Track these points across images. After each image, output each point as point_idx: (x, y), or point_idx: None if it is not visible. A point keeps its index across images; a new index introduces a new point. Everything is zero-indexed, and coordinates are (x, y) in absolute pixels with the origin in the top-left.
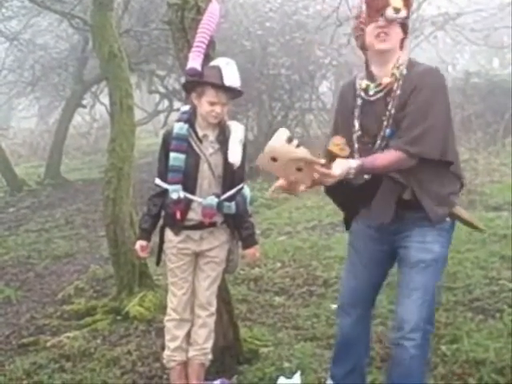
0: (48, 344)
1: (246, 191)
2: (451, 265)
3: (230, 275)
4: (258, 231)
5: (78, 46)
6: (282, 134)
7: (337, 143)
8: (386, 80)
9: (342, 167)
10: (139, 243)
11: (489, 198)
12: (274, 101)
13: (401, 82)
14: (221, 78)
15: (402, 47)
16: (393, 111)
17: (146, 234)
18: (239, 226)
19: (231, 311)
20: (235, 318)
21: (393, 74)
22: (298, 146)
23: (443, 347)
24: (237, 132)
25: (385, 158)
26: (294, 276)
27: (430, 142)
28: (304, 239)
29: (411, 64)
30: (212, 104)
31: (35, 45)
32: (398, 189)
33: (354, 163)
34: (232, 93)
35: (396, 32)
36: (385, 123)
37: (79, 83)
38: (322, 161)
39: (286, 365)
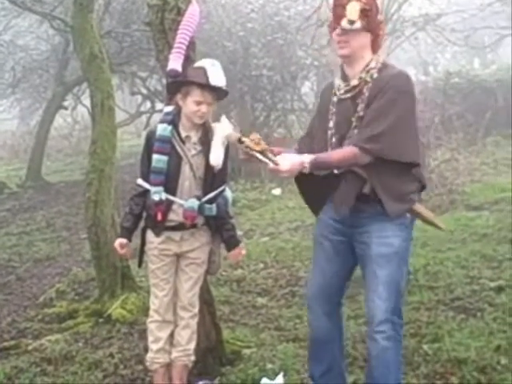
0: (29, 347)
1: (228, 193)
2: (432, 264)
3: (212, 276)
4: (240, 232)
5: (59, 48)
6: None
7: (252, 138)
8: (353, 82)
9: (292, 162)
10: (119, 241)
11: (470, 198)
12: (256, 102)
13: (370, 85)
14: (206, 77)
15: (374, 50)
16: (361, 113)
17: (126, 233)
18: (220, 227)
19: (213, 312)
20: (218, 320)
21: (360, 78)
22: (241, 141)
23: (425, 346)
24: (219, 134)
25: (340, 153)
26: (277, 277)
27: (387, 142)
28: (287, 240)
29: (384, 67)
30: (198, 104)
31: (16, 46)
32: (359, 183)
33: (307, 158)
34: (217, 93)
35: (357, 39)
36: (353, 124)
37: (60, 85)
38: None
39: (269, 366)
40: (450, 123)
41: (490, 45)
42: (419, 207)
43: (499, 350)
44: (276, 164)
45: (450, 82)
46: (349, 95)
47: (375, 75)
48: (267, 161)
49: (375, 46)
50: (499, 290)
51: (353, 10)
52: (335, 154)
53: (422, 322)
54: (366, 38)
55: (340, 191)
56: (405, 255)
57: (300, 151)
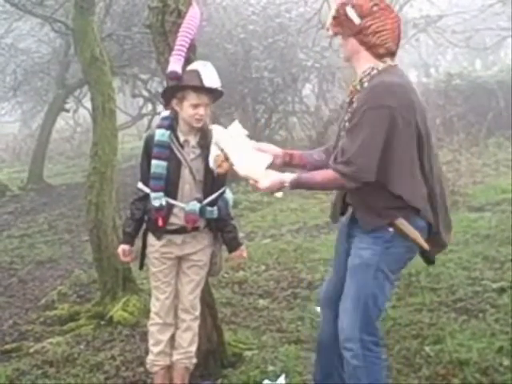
0: (31, 350)
1: (228, 195)
2: (434, 266)
3: (213, 278)
4: (242, 234)
5: (61, 50)
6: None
7: (218, 162)
8: (349, 89)
9: (271, 180)
10: (122, 247)
11: (471, 199)
12: (257, 104)
13: (359, 95)
14: (200, 80)
15: (377, 56)
16: (347, 124)
17: (129, 238)
18: (222, 229)
19: (215, 315)
20: (219, 322)
21: (354, 85)
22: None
23: (427, 348)
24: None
25: (323, 175)
26: (279, 279)
27: (363, 165)
28: (288, 242)
29: (377, 75)
30: (195, 107)
31: (17, 49)
32: (342, 194)
33: (288, 177)
34: (213, 94)
35: (345, 44)
36: (341, 134)
37: (62, 87)
38: None
39: (271, 368)
40: (451, 125)
41: (491, 46)
42: (402, 223)
43: (501, 351)
44: (256, 181)
45: (451, 84)
46: (347, 101)
47: (365, 84)
48: (248, 176)
49: (374, 52)
50: (501, 291)
51: (328, 17)
52: (318, 176)
53: (424, 323)
54: (352, 44)
55: (335, 199)
56: (380, 270)
57: (325, 150)
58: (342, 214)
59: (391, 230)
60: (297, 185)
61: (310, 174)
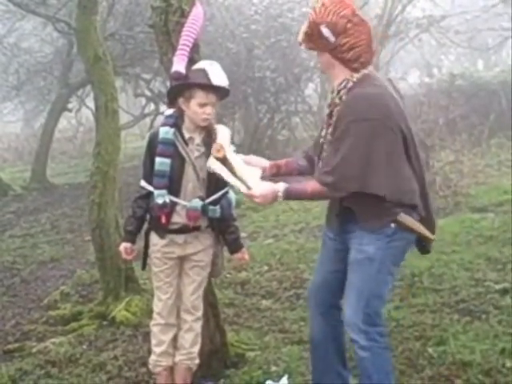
0: (34, 350)
1: (231, 195)
2: (437, 267)
3: (216, 279)
4: (244, 234)
5: (63, 50)
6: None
7: (216, 148)
8: (327, 101)
9: (264, 189)
10: (123, 245)
11: (474, 200)
12: (259, 103)
13: (338, 107)
14: (208, 78)
15: (353, 69)
16: (329, 137)
17: (130, 237)
18: (224, 230)
19: (218, 315)
20: (222, 322)
21: (332, 98)
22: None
23: (430, 349)
24: (223, 135)
25: (310, 185)
26: (281, 279)
27: (342, 175)
28: (291, 242)
29: (355, 85)
30: (202, 106)
31: (20, 49)
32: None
33: (281, 187)
34: (220, 92)
35: (320, 57)
36: (324, 147)
37: (65, 87)
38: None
39: (273, 368)
40: (454, 125)
41: (494, 46)
42: (404, 218)
43: (504, 352)
44: (249, 188)
45: (454, 84)
46: (327, 113)
47: (344, 96)
48: (242, 184)
49: (349, 66)
50: (504, 292)
51: (300, 32)
52: (307, 186)
53: (427, 324)
54: (328, 59)
55: (330, 203)
56: (384, 264)
57: (305, 155)
58: (337, 216)
59: (393, 225)
60: (288, 194)
61: (300, 184)
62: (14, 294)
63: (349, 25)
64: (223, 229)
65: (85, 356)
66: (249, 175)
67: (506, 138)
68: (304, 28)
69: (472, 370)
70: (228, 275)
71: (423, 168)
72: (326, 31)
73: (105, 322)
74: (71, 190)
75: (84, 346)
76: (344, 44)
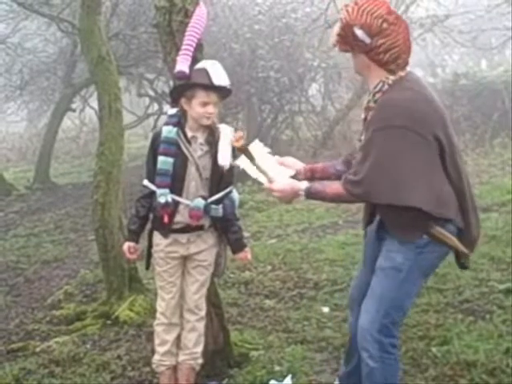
0: (37, 349)
1: (235, 195)
2: (441, 267)
3: (219, 279)
4: (248, 234)
5: (67, 50)
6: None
7: (236, 137)
8: (363, 104)
9: (284, 184)
10: (127, 244)
11: (478, 200)
12: (263, 103)
13: (372, 111)
14: (209, 78)
15: (389, 71)
16: (363, 141)
17: (133, 236)
18: (227, 230)
19: (221, 315)
20: (225, 322)
21: (368, 101)
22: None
23: (434, 349)
24: (227, 135)
25: (333, 188)
26: (285, 279)
27: (372, 186)
28: (294, 242)
29: (390, 89)
30: (204, 105)
31: (24, 48)
32: (371, 204)
33: (303, 185)
34: (222, 92)
35: (354, 59)
36: (358, 148)
37: (68, 87)
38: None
39: (277, 368)
40: (457, 125)
41: (497, 46)
42: (439, 232)
43: (508, 352)
44: (270, 182)
45: (457, 84)
46: (363, 117)
47: (379, 99)
48: (263, 177)
49: (386, 68)
50: (508, 292)
51: (332, 33)
52: (329, 189)
53: (431, 324)
54: (363, 60)
55: (365, 206)
56: (411, 275)
57: (345, 160)
58: (371, 221)
59: (425, 237)
60: (308, 193)
61: (322, 184)
62: (18, 294)
63: (384, 25)
64: (226, 228)
65: (88, 355)
66: (275, 171)
67: (510, 138)
68: (337, 30)
69: (476, 370)
70: (231, 275)
71: (464, 179)
72: (360, 33)
73: (108, 322)
74: (75, 190)
75: (88, 346)
76: (380, 45)
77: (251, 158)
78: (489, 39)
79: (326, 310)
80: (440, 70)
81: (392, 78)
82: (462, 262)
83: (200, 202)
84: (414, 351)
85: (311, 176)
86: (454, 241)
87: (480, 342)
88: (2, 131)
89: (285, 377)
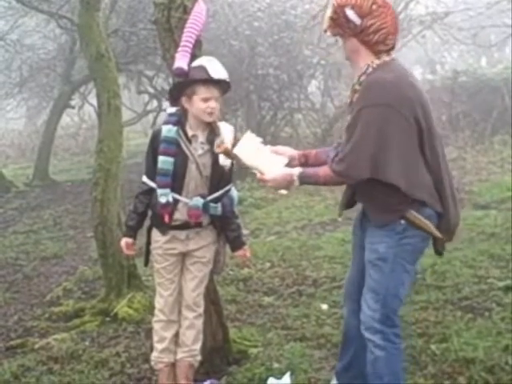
0: (36, 346)
1: (234, 193)
2: (440, 264)
3: (218, 276)
4: (247, 231)
5: (66, 47)
6: None
7: (216, 143)
8: (351, 89)
9: (276, 173)
10: (124, 240)
11: (477, 197)
12: (262, 101)
13: (357, 94)
14: (207, 73)
15: (376, 53)
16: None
17: (131, 232)
18: (226, 227)
19: (220, 312)
20: (224, 319)
21: (353, 85)
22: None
23: (433, 346)
24: (227, 134)
25: (324, 170)
26: (284, 276)
27: (353, 162)
28: (293, 239)
29: (374, 71)
30: (206, 100)
31: (23, 45)
32: (350, 190)
33: (296, 171)
34: (221, 86)
35: (345, 43)
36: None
37: (67, 84)
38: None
39: (276, 365)
40: (457, 122)
41: (497, 43)
42: (413, 215)
43: (507, 349)
44: (262, 173)
45: (457, 81)
46: (348, 102)
47: (363, 81)
48: (256, 171)
49: (375, 50)
50: (507, 289)
51: (325, 18)
52: (321, 171)
53: (430, 321)
54: (353, 43)
55: (344, 193)
56: (397, 262)
57: (337, 146)
58: (348, 206)
59: (403, 222)
60: (303, 179)
61: (314, 169)
62: (17, 290)
63: (374, 6)
64: (225, 226)
65: (87, 352)
66: (268, 162)
67: (509, 135)
68: (328, 13)
69: (475, 367)
70: (230, 272)
71: (443, 163)
72: (351, 13)
73: (107, 319)
74: (74, 187)
75: (86, 343)
76: (370, 26)
77: (238, 160)
78: (488, 36)
79: (324, 307)
80: (439, 67)
81: (376, 62)
82: (437, 249)
83: (199, 201)
84: (413, 348)
85: (305, 162)
86: (429, 225)
87: (479, 340)
88: (1, 128)
89: (284, 374)
